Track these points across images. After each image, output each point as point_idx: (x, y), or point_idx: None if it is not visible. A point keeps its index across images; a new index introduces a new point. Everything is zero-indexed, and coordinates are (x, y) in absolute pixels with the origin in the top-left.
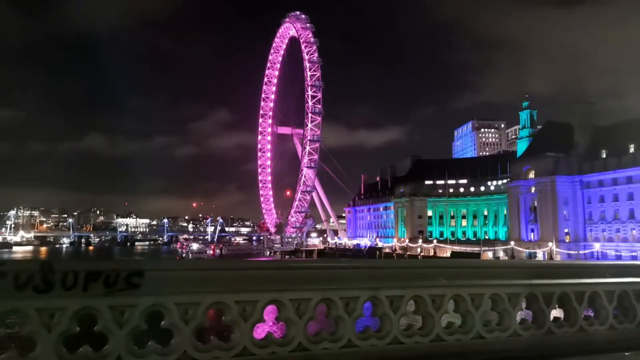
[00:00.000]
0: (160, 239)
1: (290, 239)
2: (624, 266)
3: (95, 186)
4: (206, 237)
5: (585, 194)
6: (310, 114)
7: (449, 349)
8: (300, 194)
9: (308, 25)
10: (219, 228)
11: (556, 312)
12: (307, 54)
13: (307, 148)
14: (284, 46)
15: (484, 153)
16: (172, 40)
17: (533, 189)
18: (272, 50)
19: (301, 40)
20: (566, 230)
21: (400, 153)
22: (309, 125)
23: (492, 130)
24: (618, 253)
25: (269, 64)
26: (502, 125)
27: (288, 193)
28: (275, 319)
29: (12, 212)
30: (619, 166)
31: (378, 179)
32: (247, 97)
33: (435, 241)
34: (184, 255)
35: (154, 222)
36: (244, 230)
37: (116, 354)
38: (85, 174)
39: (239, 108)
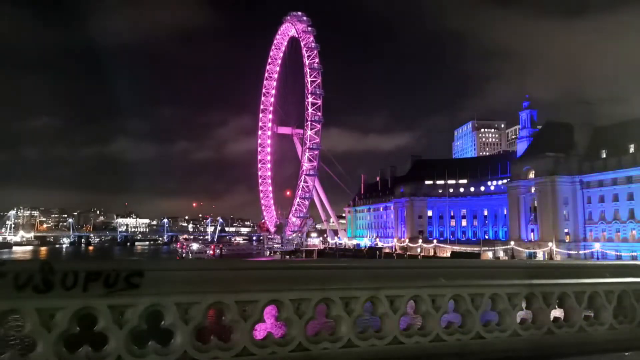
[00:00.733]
0: (160, 239)
1: (290, 239)
2: (623, 266)
3: (95, 186)
4: (206, 237)
5: (585, 194)
6: (310, 122)
7: (449, 349)
8: (299, 199)
9: (309, 28)
10: (219, 228)
11: (556, 312)
12: (308, 59)
13: (307, 154)
14: (285, 43)
15: (484, 153)
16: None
17: (533, 189)
18: (272, 47)
19: (302, 44)
20: (566, 230)
21: (402, 156)
22: (309, 133)
23: (492, 130)
24: (618, 253)
25: (269, 60)
26: (502, 125)
27: (288, 193)
28: (275, 319)
29: (12, 212)
30: (619, 166)
31: (378, 179)
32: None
33: (435, 241)
34: (184, 255)
35: (154, 222)
36: (244, 230)
37: (116, 354)
38: (88, 175)
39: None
